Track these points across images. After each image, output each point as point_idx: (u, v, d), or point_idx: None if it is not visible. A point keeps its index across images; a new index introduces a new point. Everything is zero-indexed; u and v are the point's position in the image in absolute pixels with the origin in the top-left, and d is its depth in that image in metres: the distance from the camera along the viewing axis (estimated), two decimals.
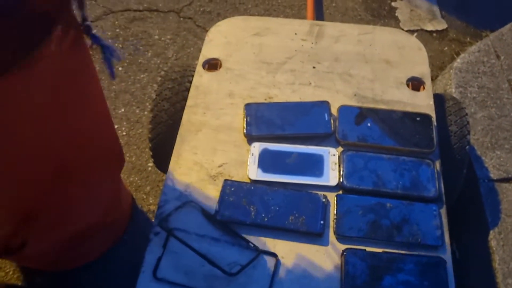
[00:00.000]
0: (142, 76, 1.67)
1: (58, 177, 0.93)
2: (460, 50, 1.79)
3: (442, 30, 1.86)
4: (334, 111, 1.05)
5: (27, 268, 1.25)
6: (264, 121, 1.02)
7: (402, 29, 1.86)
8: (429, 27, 1.86)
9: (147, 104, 1.60)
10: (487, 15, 1.91)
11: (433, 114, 1.06)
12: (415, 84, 1.13)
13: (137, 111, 1.58)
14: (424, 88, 1.12)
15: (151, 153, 1.21)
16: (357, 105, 1.06)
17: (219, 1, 1.93)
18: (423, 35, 1.84)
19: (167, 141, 1.13)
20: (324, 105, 1.05)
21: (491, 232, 1.17)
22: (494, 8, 1.94)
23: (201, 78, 1.12)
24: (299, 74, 1.13)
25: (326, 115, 1.03)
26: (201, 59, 1.16)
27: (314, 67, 1.14)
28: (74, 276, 1.23)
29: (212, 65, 1.16)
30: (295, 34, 1.21)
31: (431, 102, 1.09)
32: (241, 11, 1.90)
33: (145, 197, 1.38)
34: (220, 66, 1.15)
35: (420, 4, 1.94)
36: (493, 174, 1.28)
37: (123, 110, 1.57)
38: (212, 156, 0.99)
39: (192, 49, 1.76)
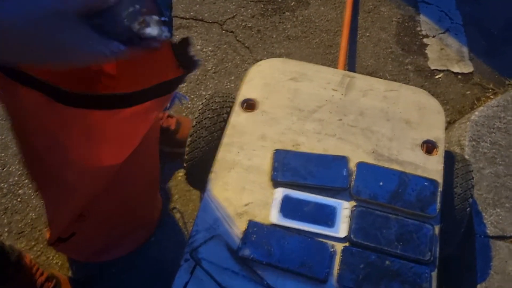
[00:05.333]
0: (181, 86, 1.80)
1: (108, 192, 1.10)
2: (481, 96, 1.88)
3: (468, 73, 1.95)
4: (352, 164, 1.18)
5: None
6: (289, 168, 1.16)
7: (429, 67, 1.95)
8: (456, 69, 1.95)
9: (183, 114, 1.74)
10: None
11: (440, 180, 1.18)
12: (429, 146, 1.24)
13: None
14: (436, 152, 1.23)
15: (185, 172, 1.36)
16: (374, 163, 1.19)
17: (260, 17, 2.04)
18: (448, 76, 1.94)
19: (201, 164, 1.29)
20: (343, 160, 1.18)
21: (478, 286, 1.30)
22: None
23: (238, 117, 1.25)
24: (326, 125, 1.25)
25: (344, 171, 1.16)
26: (240, 98, 1.29)
27: (340, 119, 1.26)
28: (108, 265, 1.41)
29: (250, 105, 1.28)
30: (328, 83, 1.33)
31: (441, 167, 1.20)
32: (279, 30, 2.01)
33: (173, 204, 1.54)
34: (257, 107, 1.28)
35: (451, 44, 2.02)
36: (490, 231, 1.40)
37: None
38: (241, 194, 1.13)
39: (230, 64, 1.89)
